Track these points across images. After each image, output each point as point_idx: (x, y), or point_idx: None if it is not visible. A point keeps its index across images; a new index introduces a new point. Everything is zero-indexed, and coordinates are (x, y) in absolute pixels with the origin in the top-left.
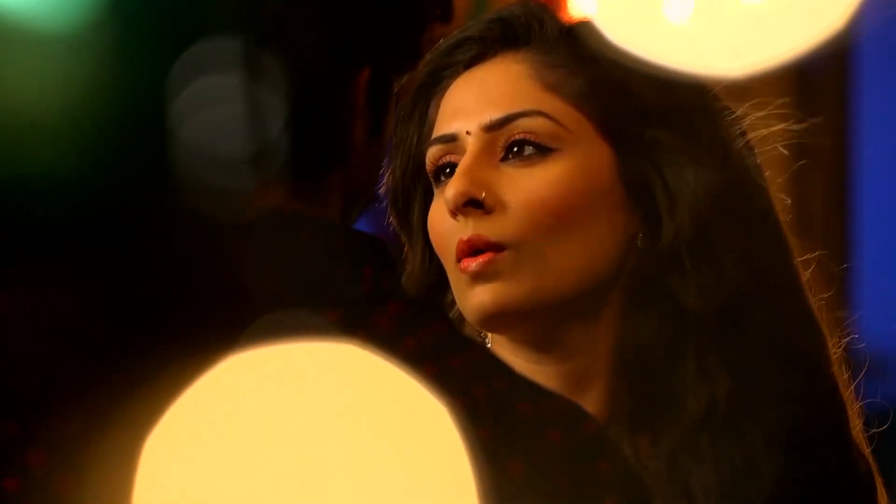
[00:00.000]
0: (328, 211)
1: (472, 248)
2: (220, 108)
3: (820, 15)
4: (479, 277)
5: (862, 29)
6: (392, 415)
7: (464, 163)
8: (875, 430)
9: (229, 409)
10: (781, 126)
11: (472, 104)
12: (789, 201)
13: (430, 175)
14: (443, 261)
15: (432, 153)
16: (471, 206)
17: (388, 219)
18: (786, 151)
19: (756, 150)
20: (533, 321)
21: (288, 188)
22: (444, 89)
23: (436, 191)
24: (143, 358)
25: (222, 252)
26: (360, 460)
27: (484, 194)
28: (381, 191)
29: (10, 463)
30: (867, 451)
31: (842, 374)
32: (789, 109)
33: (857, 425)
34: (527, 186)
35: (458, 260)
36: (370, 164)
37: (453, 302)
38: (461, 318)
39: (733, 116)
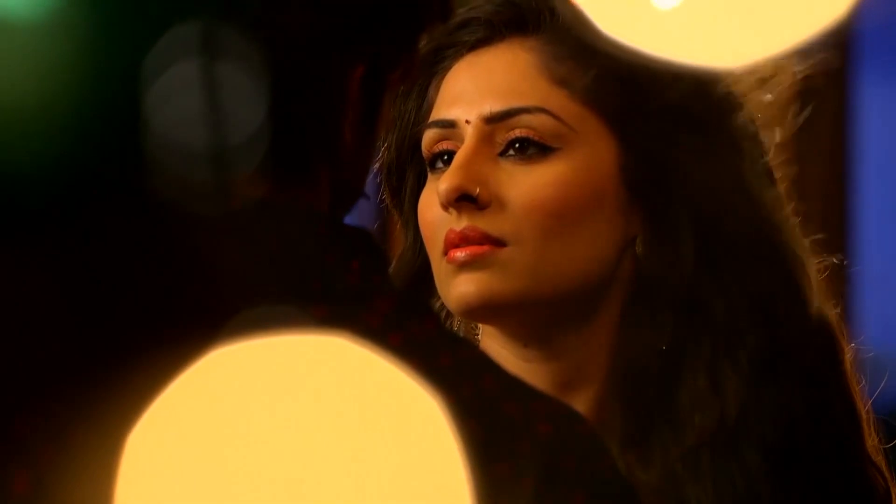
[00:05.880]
0: (315, 204)
1: (465, 240)
2: (200, 96)
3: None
4: (465, 267)
5: (863, 20)
6: (380, 408)
7: (460, 155)
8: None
9: (214, 403)
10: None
11: (474, 92)
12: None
13: (425, 159)
14: (428, 249)
15: (429, 136)
16: (464, 200)
17: (382, 195)
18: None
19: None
20: (519, 316)
21: (274, 180)
22: (446, 69)
23: (430, 175)
24: (123, 353)
25: (205, 243)
26: (347, 455)
27: (478, 190)
28: (376, 166)
29: None
30: (884, 464)
31: (856, 386)
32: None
33: (872, 438)
34: (526, 185)
35: (445, 251)
36: (361, 160)
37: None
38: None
39: (744, 112)
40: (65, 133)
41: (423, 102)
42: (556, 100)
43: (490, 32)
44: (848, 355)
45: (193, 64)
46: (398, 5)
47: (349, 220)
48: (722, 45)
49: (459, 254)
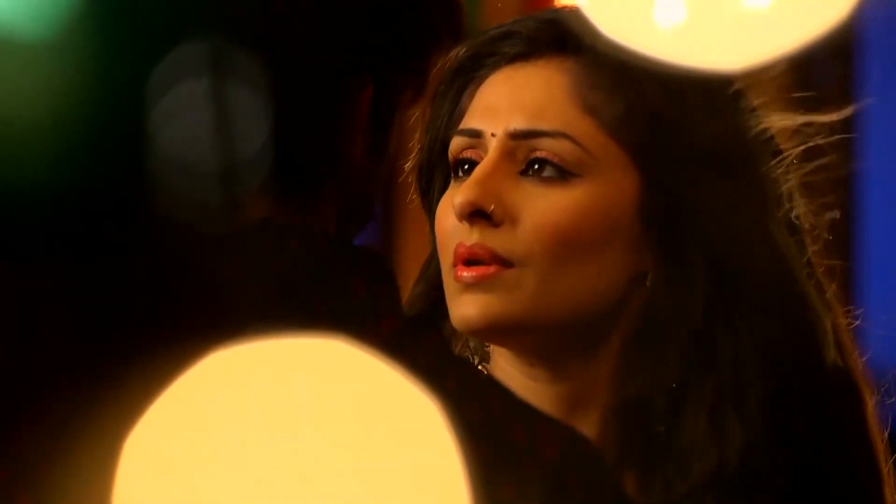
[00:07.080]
0: (322, 225)
1: (471, 256)
2: (206, 115)
3: (821, 10)
4: (471, 287)
5: (866, 25)
6: (380, 411)
7: (480, 169)
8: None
9: (212, 406)
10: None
11: (504, 106)
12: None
13: (450, 163)
14: (440, 256)
15: (456, 143)
16: (478, 216)
17: (412, 195)
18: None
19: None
20: (523, 338)
21: (280, 200)
22: (483, 78)
23: (452, 181)
24: (121, 370)
25: (209, 260)
26: (345, 457)
27: (493, 207)
28: (408, 167)
29: None
30: None
31: (878, 440)
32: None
33: (893, 494)
34: (541, 208)
35: (454, 264)
36: (369, 181)
37: None
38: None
39: (774, 157)
40: (71, 150)
41: (457, 107)
42: (582, 127)
43: (529, 48)
44: (871, 408)
45: (199, 82)
46: (406, 25)
47: (359, 241)
48: (723, 54)
49: (466, 274)
